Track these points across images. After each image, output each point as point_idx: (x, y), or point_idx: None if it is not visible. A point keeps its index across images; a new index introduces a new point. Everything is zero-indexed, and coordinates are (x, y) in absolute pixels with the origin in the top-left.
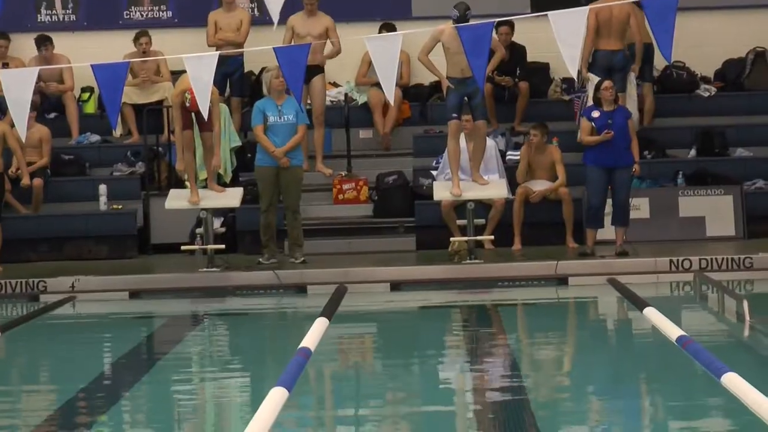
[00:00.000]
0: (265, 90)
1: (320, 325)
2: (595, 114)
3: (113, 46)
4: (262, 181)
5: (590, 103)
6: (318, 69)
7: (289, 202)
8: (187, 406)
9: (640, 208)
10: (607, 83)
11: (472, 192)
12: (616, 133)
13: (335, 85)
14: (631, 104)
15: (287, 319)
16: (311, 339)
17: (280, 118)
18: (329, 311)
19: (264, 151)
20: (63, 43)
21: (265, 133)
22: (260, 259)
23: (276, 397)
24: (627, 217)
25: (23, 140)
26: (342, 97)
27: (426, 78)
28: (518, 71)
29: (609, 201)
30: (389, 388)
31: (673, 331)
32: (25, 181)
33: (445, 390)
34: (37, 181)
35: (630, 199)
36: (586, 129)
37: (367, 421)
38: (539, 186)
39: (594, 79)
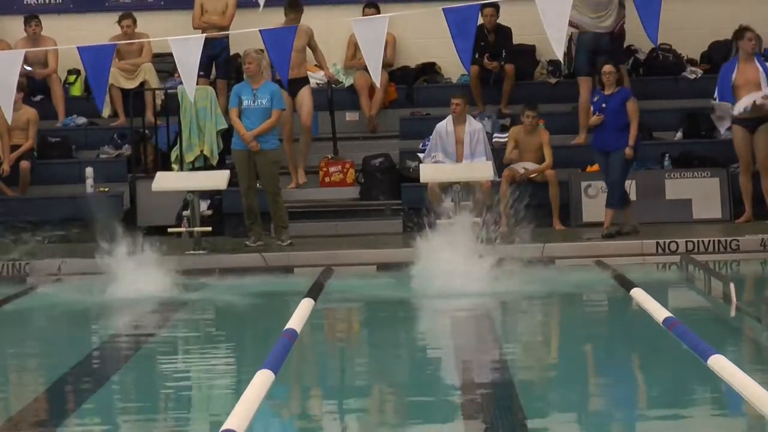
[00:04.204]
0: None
1: (306, 306)
2: (596, 98)
3: (100, 29)
4: (238, 165)
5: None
6: (303, 81)
7: (266, 186)
8: (173, 389)
9: (627, 190)
10: (606, 67)
11: (458, 174)
12: (608, 116)
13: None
14: None
15: (273, 301)
16: (297, 320)
17: (253, 102)
18: (315, 292)
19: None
20: (50, 25)
21: (240, 117)
22: (247, 242)
23: (262, 379)
24: (617, 200)
25: (9, 122)
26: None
27: (412, 60)
28: (504, 53)
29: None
30: (375, 367)
31: (659, 313)
32: (5, 168)
33: (430, 370)
34: (24, 164)
35: (630, 181)
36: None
37: (353, 403)
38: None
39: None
